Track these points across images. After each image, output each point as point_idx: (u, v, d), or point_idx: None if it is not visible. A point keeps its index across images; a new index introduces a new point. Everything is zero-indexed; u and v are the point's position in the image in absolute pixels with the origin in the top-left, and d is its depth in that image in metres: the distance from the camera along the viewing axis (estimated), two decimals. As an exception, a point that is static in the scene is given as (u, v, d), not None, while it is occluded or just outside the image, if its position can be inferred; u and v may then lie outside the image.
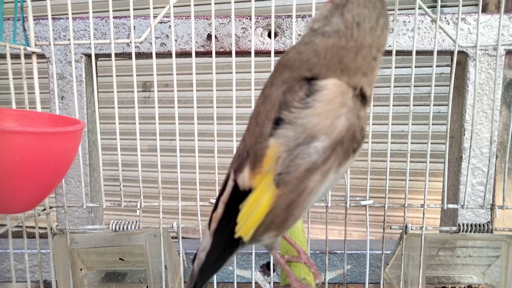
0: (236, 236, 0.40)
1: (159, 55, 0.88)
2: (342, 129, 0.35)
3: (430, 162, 0.74)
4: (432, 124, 0.74)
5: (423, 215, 0.76)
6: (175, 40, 0.88)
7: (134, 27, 0.87)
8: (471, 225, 0.75)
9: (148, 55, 0.89)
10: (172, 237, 0.83)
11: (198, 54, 0.87)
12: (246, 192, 0.39)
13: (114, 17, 0.84)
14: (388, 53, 0.77)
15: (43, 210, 0.79)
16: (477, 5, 1.39)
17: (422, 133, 1.73)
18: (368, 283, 0.82)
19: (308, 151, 0.35)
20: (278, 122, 0.37)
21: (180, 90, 0.87)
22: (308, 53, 0.38)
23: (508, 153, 0.75)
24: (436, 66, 0.72)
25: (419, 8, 0.70)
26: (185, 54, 0.89)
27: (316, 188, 0.37)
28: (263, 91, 0.41)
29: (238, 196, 0.39)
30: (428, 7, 0.71)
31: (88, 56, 0.89)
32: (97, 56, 0.89)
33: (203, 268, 0.43)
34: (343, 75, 0.37)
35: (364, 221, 0.78)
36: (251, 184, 0.38)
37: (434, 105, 0.73)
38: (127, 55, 0.89)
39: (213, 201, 0.78)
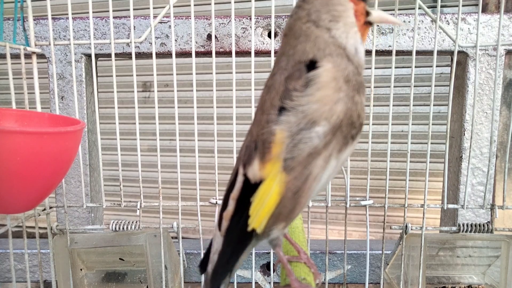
0: (249, 228, 0.39)
1: (159, 55, 0.87)
2: (340, 114, 0.37)
3: (430, 162, 0.74)
4: (432, 124, 0.74)
5: (423, 215, 0.76)
6: (175, 40, 0.88)
7: (134, 27, 0.87)
8: (471, 225, 0.75)
9: (148, 55, 0.89)
10: (172, 237, 0.83)
11: (198, 54, 0.87)
12: (257, 185, 0.39)
13: (114, 17, 0.84)
14: (388, 53, 0.77)
15: (43, 210, 0.79)
16: (477, 5, 1.39)
17: (422, 133, 1.73)
18: (368, 283, 0.82)
19: (309, 136, 0.37)
20: (282, 109, 0.38)
21: (180, 90, 0.87)
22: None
23: (508, 153, 0.75)
24: (436, 66, 0.72)
25: (419, 8, 0.70)
26: (185, 54, 0.89)
27: (320, 174, 0.38)
28: (266, 83, 0.42)
29: (249, 189, 0.39)
30: (428, 7, 0.71)
31: (88, 56, 0.89)
32: (97, 56, 0.89)
33: (216, 269, 0.42)
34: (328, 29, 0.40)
35: (364, 221, 0.78)
36: (262, 174, 0.39)
37: (434, 105, 0.73)
38: (127, 55, 0.89)
39: (213, 201, 0.78)
